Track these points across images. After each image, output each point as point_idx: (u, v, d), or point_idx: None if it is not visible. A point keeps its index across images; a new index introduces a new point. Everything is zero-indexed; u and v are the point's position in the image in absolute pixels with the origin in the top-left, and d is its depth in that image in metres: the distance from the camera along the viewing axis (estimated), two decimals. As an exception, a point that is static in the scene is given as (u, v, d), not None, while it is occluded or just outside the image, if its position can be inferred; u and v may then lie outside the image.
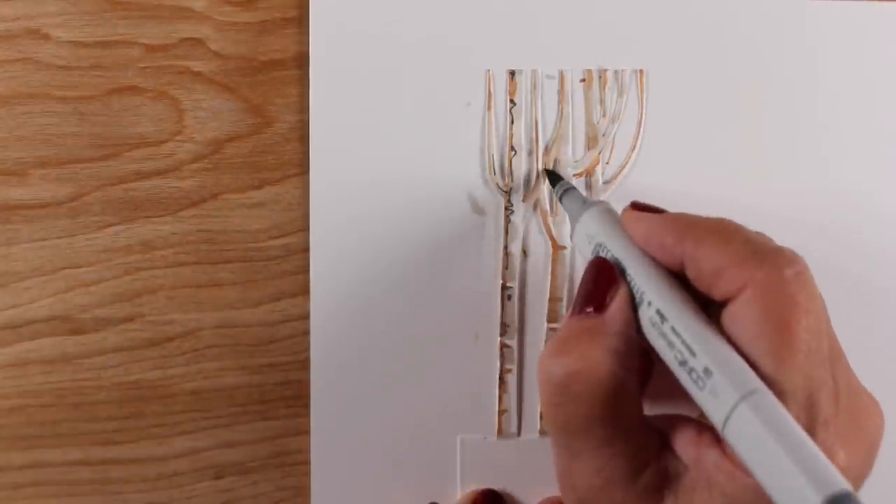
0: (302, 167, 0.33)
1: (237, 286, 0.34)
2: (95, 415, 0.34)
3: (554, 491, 0.35)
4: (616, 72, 0.34)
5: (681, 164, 0.34)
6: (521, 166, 0.34)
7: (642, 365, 0.27)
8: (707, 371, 0.24)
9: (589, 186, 0.34)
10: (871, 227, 0.35)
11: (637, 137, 0.34)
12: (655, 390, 0.29)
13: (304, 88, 0.33)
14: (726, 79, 0.34)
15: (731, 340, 0.25)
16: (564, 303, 0.34)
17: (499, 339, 0.34)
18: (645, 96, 0.34)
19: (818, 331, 0.24)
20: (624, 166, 0.34)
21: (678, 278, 0.27)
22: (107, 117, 0.33)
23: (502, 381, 0.34)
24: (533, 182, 0.34)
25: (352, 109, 0.33)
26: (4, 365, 0.34)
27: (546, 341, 0.34)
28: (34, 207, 0.33)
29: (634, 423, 0.26)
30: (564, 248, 0.34)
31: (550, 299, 0.34)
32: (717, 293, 0.25)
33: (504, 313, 0.34)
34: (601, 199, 0.33)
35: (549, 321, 0.34)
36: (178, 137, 0.33)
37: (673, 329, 0.25)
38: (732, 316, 0.25)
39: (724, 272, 0.25)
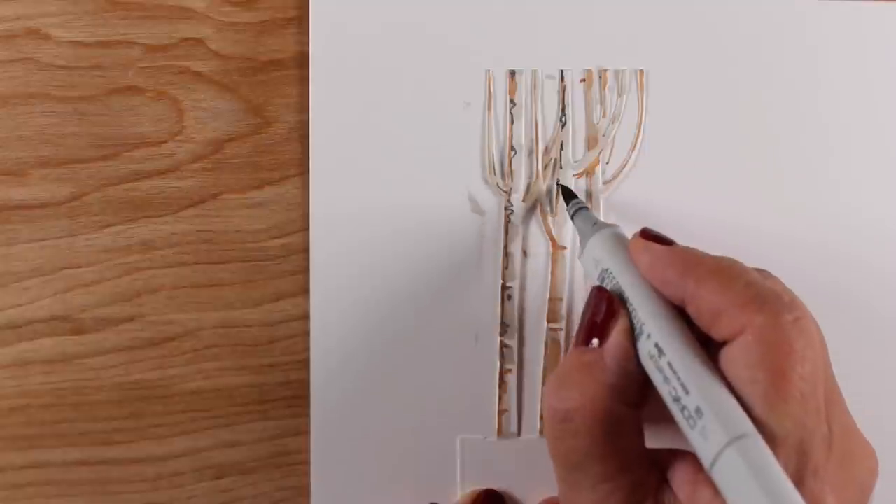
0: (302, 167, 0.33)
1: (237, 286, 0.34)
2: (95, 415, 0.34)
3: (553, 490, 0.35)
4: (616, 72, 0.34)
5: (681, 164, 0.34)
6: (521, 166, 0.34)
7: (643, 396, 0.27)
8: (699, 411, 0.24)
9: (589, 186, 0.34)
10: (871, 224, 0.35)
11: (637, 137, 0.34)
12: (653, 416, 0.28)
13: (304, 88, 0.33)
14: (726, 79, 0.34)
15: (726, 381, 0.25)
16: (564, 302, 0.34)
17: (499, 339, 0.34)
18: (645, 96, 0.34)
19: (813, 378, 0.24)
20: (624, 166, 0.34)
21: (681, 312, 0.26)
22: (107, 117, 0.33)
23: (502, 381, 0.34)
24: (533, 182, 0.34)
25: (352, 109, 0.33)
26: (4, 365, 0.34)
27: (546, 342, 0.34)
28: (34, 207, 0.33)
29: (634, 458, 0.26)
30: (564, 248, 0.34)
31: (550, 299, 0.34)
32: (716, 333, 0.25)
33: (504, 313, 0.34)
34: (610, 223, 0.33)
35: (549, 321, 0.34)
36: (178, 137, 0.33)
37: (669, 365, 0.25)
38: (729, 357, 0.25)
39: (723, 314, 0.25)
